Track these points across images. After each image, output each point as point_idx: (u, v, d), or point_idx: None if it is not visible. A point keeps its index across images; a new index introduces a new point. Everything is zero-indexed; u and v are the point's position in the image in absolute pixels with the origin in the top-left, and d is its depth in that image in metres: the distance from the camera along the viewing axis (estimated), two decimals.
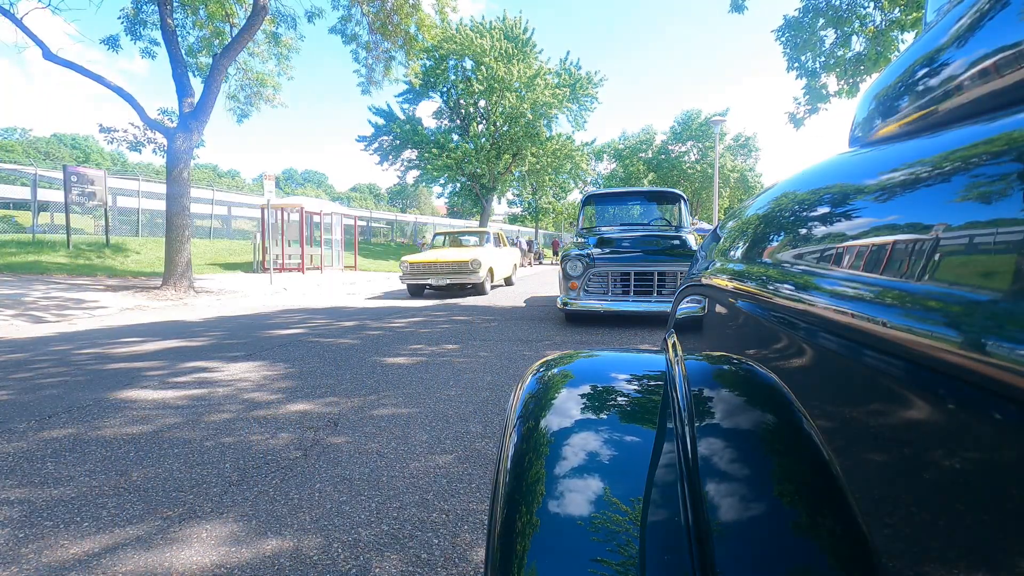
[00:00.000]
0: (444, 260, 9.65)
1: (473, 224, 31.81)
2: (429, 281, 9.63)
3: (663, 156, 41.15)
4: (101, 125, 12.49)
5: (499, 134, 27.14)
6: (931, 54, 0.42)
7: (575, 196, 36.47)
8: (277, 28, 12.71)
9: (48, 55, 9.38)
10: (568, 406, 0.73)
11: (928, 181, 0.31)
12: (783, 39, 9.83)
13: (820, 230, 0.46)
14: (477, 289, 10.15)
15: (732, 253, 0.73)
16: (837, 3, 9.19)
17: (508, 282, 12.53)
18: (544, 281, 14.21)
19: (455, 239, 12.08)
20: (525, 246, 26.58)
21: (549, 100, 25.76)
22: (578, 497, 0.53)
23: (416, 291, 10.15)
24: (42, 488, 2.02)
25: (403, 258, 10.08)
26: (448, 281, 9.58)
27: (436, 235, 12.56)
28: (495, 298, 9.55)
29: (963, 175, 0.27)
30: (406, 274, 9.82)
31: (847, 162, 0.49)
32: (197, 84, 10.63)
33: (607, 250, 5.85)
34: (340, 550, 1.60)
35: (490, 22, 26.43)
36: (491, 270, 10.36)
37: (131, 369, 3.98)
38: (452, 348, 4.75)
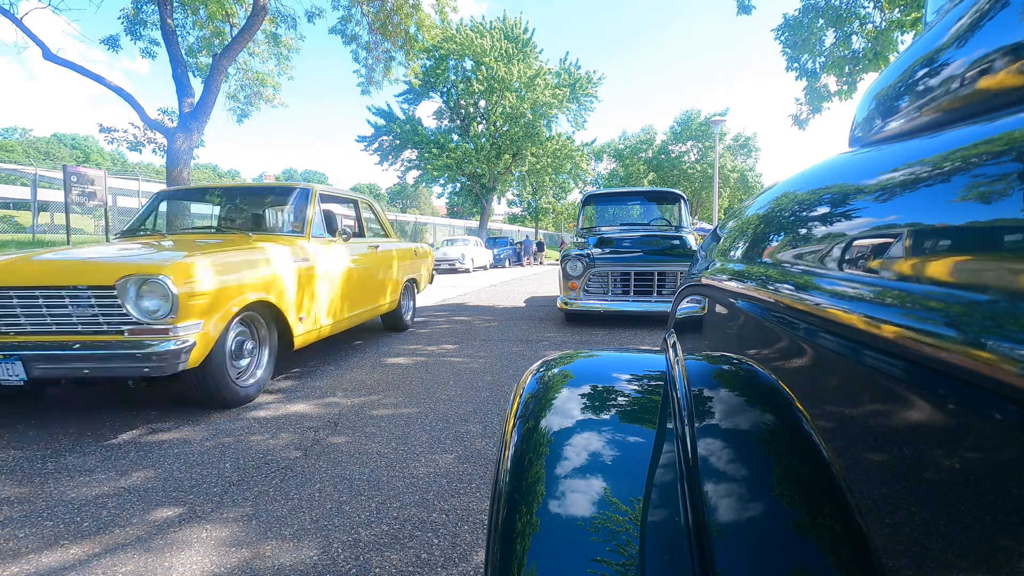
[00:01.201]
0: (35, 281, 2.43)
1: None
2: None
3: (663, 156, 41.13)
4: (101, 125, 12.46)
5: (499, 134, 27.15)
6: (931, 54, 0.42)
7: (575, 196, 36.48)
8: (277, 28, 12.70)
9: (48, 55, 9.38)
10: (568, 406, 0.72)
11: (928, 181, 0.31)
12: (783, 39, 9.83)
13: (820, 230, 0.46)
14: (197, 391, 2.78)
15: (732, 253, 0.73)
16: (837, 3, 9.18)
17: (395, 324, 5.44)
18: (544, 281, 14.21)
19: (231, 212, 4.36)
20: (535, 247, 26.63)
21: (549, 100, 25.79)
22: (578, 497, 0.53)
23: None
24: (42, 488, 2.02)
25: None
26: (47, 366, 2.34)
27: (155, 196, 4.33)
28: (494, 297, 9.48)
29: (963, 175, 0.27)
30: None
31: (847, 162, 0.49)
32: (197, 84, 10.63)
33: (607, 250, 5.85)
34: (340, 550, 1.60)
35: (490, 22, 26.46)
36: (283, 311, 3.17)
37: None
38: (451, 348, 4.75)
